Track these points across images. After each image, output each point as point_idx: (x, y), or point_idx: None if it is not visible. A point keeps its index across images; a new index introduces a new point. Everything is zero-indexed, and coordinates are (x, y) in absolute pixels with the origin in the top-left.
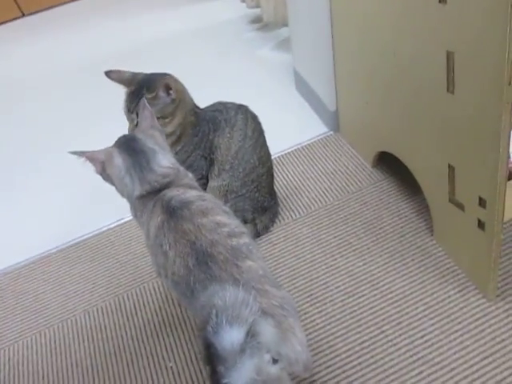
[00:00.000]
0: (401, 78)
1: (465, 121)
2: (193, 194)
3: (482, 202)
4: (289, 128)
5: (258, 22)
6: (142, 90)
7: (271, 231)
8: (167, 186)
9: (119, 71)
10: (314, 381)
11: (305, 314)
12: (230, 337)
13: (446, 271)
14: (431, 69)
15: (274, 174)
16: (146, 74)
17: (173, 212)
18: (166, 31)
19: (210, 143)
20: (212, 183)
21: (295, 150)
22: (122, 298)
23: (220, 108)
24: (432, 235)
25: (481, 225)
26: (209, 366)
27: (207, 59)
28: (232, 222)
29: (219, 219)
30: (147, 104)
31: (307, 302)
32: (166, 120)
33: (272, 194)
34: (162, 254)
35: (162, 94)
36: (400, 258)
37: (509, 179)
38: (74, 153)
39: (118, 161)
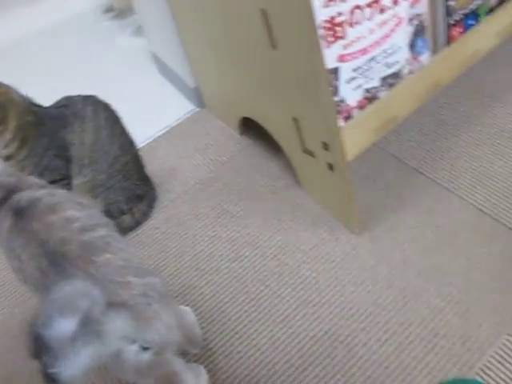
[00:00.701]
0: (233, 41)
1: (293, 74)
2: (42, 192)
3: (326, 146)
4: (156, 112)
5: (112, 10)
6: None
7: (152, 217)
8: (13, 191)
9: None
10: (211, 348)
11: (194, 288)
12: (61, 327)
13: (317, 217)
14: (254, 28)
15: (148, 160)
16: None
17: (21, 212)
18: (17, 32)
19: (62, 141)
20: (75, 181)
21: (165, 132)
22: (6, 318)
23: (66, 103)
24: (300, 187)
25: (330, 167)
26: (37, 359)
27: (66, 55)
28: (85, 215)
29: (70, 214)
30: None
31: (195, 276)
32: (0, 128)
33: (144, 179)
34: (16, 259)
35: None
36: (275, 214)
37: (348, 120)
38: None
39: None
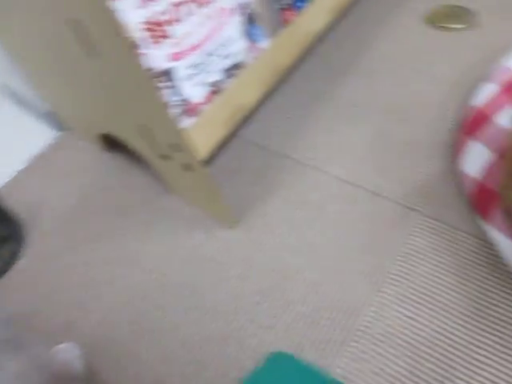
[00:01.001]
0: (60, 59)
1: (121, 81)
2: None
3: (177, 148)
4: (15, 145)
5: None
6: None
7: (21, 257)
8: None
9: None
10: (101, 379)
11: (76, 321)
12: None
13: (191, 219)
14: (72, 41)
15: (11, 198)
16: None
17: None
18: None
19: None
20: None
21: (28, 165)
22: None
23: None
24: (170, 193)
25: (187, 167)
26: None
27: None
28: None
29: None
30: None
31: (76, 309)
32: None
33: (7, 220)
34: None
35: None
36: (149, 225)
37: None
38: None
39: None
